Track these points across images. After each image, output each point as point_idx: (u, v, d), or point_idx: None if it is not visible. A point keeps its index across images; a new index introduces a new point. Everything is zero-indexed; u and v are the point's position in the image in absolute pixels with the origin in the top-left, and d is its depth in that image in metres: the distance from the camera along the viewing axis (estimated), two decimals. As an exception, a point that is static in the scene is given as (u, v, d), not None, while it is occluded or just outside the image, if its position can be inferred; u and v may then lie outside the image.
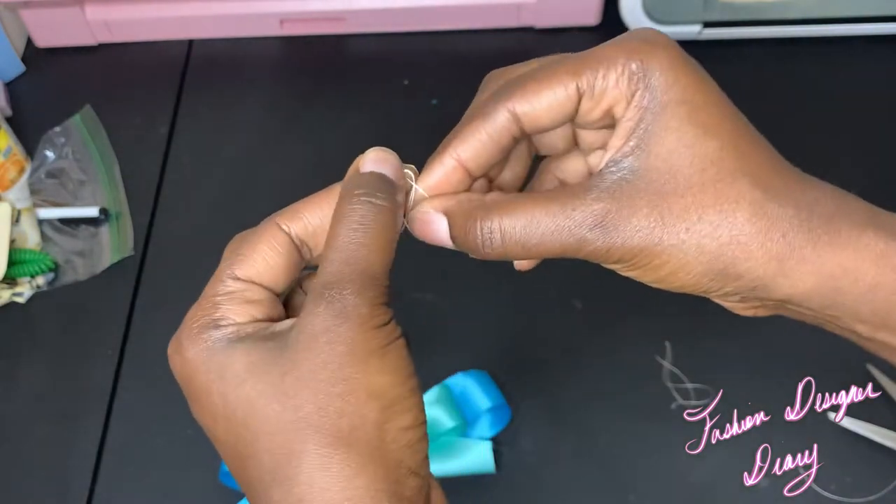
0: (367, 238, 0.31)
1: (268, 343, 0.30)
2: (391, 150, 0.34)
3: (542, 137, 0.36)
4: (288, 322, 0.32)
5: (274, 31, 0.81)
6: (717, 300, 0.34)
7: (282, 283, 0.33)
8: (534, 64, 0.34)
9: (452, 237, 0.33)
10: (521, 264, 0.38)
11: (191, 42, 0.81)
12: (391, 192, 0.33)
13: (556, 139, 0.36)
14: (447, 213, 0.33)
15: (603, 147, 0.33)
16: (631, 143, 0.31)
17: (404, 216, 0.34)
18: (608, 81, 0.31)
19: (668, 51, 0.31)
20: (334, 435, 0.29)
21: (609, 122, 0.33)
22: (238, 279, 0.32)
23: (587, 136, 0.35)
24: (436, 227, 0.33)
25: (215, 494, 0.58)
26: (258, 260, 0.33)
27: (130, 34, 0.81)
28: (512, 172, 0.37)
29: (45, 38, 0.81)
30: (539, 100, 0.32)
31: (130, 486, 0.60)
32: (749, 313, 0.34)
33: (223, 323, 0.31)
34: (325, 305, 0.30)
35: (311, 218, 0.33)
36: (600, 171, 0.32)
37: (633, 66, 0.31)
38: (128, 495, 0.59)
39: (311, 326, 0.30)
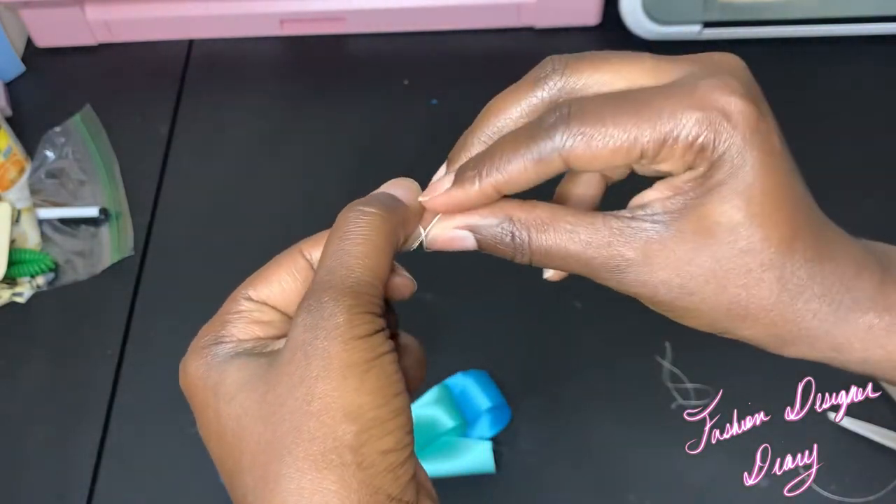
0: (351, 245, 0.30)
1: (260, 359, 0.30)
2: (411, 180, 0.34)
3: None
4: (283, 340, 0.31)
5: (274, 31, 0.81)
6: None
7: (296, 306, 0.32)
8: (609, 60, 0.31)
9: (482, 249, 0.32)
10: (549, 274, 0.37)
11: (191, 42, 0.81)
12: (386, 203, 0.32)
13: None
14: (474, 230, 0.32)
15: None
16: (679, 206, 0.30)
17: (424, 235, 0.33)
18: (673, 152, 0.29)
19: (746, 121, 0.29)
20: (309, 458, 0.27)
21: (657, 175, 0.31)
22: (250, 300, 0.32)
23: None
24: (462, 241, 0.33)
25: (215, 494, 0.58)
26: (274, 282, 0.33)
27: (130, 34, 0.81)
28: (582, 190, 0.34)
29: (45, 38, 0.81)
30: (597, 161, 0.29)
31: (130, 486, 0.60)
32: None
33: (226, 339, 0.32)
34: (303, 316, 0.29)
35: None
36: (642, 206, 0.30)
37: (702, 140, 0.28)
38: (128, 495, 0.59)
39: (291, 340, 0.29)
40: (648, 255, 0.30)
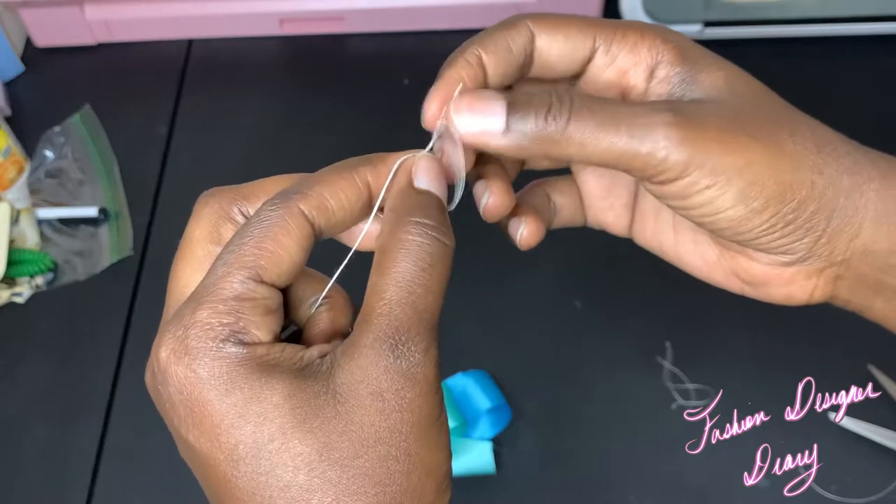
0: (435, 283, 0.27)
1: (310, 384, 0.26)
2: (437, 158, 0.31)
3: None
4: (314, 352, 0.27)
5: (274, 30, 0.81)
6: (782, 262, 0.32)
7: (291, 281, 0.29)
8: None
9: (512, 119, 0.29)
10: (526, 236, 0.34)
11: (190, 42, 0.81)
12: (450, 227, 0.29)
13: None
14: (507, 95, 0.30)
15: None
16: (678, 87, 0.31)
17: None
18: (625, 44, 0.31)
19: (688, 38, 0.32)
20: None
21: (615, 94, 0.32)
22: (262, 282, 0.27)
23: None
24: (489, 106, 0.29)
25: (215, 494, 0.58)
26: (284, 259, 0.28)
27: (130, 34, 0.81)
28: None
29: (45, 38, 0.81)
30: (558, 33, 0.31)
31: (130, 486, 0.60)
32: (804, 293, 0.33)
33: (247, 339, 0.27)
34: (394, 360, 0.26)
35: (335, 208, 0.29)
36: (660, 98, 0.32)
37: (652, 35, 0.31)
38: (128, 495, 0.59)
39: (375, 382, 0.26)
40: (695, 104, 0.30)
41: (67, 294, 0.68)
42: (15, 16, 0.80)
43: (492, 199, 0.32)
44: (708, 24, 0.75)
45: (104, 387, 0.63)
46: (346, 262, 0.30)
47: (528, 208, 0.35)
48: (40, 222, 0.71)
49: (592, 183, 0.37)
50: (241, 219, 0.30)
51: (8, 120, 0.76)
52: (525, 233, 0.34)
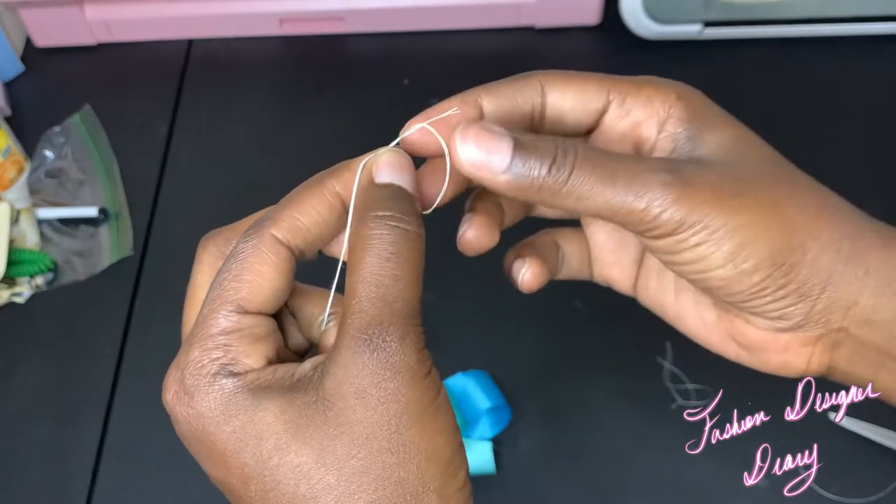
0: (402, 270, 0.28)
1: (300, 397, 0.27)
2: (403, 152, 0.31)
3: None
4: (307, 366, 0.28)
5: (274, 30, 0.81)
6: (775, 328, 0.32)
7: (280, 305, 0.30)
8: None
9: (516, 160, 0.29)
10: (527, 280, 0.35)
11: (190, 42, 0.81)
12: (417, 212, 0.29)
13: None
14: (513, 136, 0.29)
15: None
16: (683, 145, 0.31)
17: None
18: (639, 98, 0.31)
19: (695, 90, 0.32)
20: (398, 499, 0.26)
21: (628, 148, 0.33)
22: (246, 312, 0.28)
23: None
24: (497, 142, 0.29)
25: (215, 495, 0.58)
26: (264, 287, 0.29)
27: (130, 34, 0.81)
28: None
29: (45, 38, 0.81)
30: (571, 88, 0.32)
31: (130, 486, 0.60)
32: (801, 362, 0.32)
33: (237, 370, 0.28)
34: (370, 354, 0.26)
35: (308, 225, 0.30)
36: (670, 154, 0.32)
37: (667, 89, 0.32)
38: (128, 495, 0.59)
39: (356, 380, 0.26)
40: (694, 165, 0.31)
41: (67, 294, 0.68)
42: (15, 16, 0.80)
43: (470, 232, 0.33)
44: (708, 24, 0.75)
45: (104, 387, 0.63)
46: (337, 274, 0.31)
47: (533, 252, 0.36)
48: (40, 222, 0.71)
49: (602, 236, 0.38)
50: None
51: (8, 120, 0.76)
52: (528, 276, 0.35)
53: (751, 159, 0.31)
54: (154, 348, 0.65)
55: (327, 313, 0.31)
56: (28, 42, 0.82)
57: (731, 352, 0.35)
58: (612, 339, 0.63)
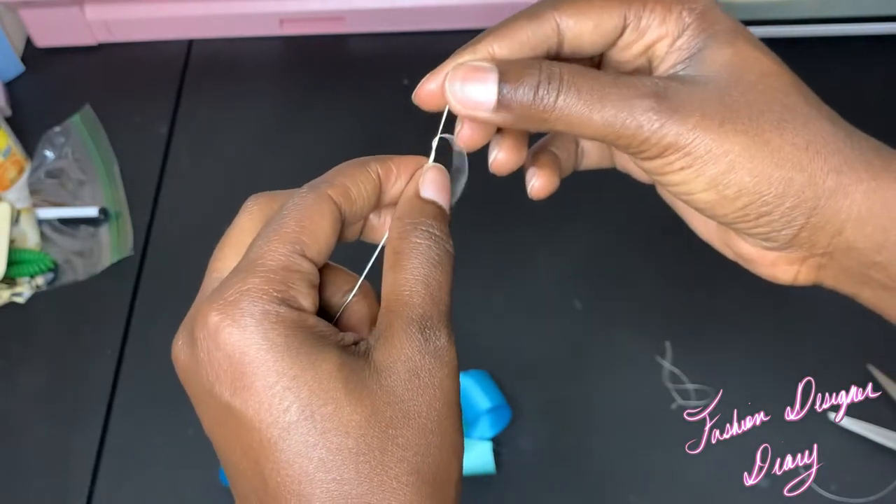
0: (445, 280, 0.30)
1: (355, 360, 0.28)
2: (444, 170, 0.33)
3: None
4: (350, 336, 0.29)
5: (274, 30, 0.81)
6: (759, 247, 0.33)
7: (324, 262, 0.31)
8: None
9: (501, 90, 0.30)
10: (537, 188, 0.36)
11: (191, 42, 0.81)
12: (451, 237, 0.31)
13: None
14: (498, 66, 0.30)
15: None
16: (686, 61, 0.32)
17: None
18: (654, 18, 0.32)
19: (713, 4, 0.32)
20: (430, 483, 0.28)
21: (644, 64, 0.33)
22: (306, 258, 0.29)
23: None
24: (483, 77, 0.30)
25: (215, 494, 0.58)
26: (322, 239, 0.30)
27: (130, 34, 0.81)
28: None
29: (45, 38, 0.81)
30: (586, 18, 0.32)
31: (130, 486, 0.60)
32: (789, 273, 0.33)
33: (297, 305, 0.28)
34: (424, 343, 0.28)
35: (356, 196, 0.31)
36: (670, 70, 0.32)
37: (680, 8, 0.32)
38: (128, 495, 0.59)
39: (410, 361, 0.28)
40: (686, 84, 0.31)
41: (67, 294, 0.68)
42: (15, 16, 0.80)
43: (501, 154, 0.34)
44: (708, 24, 0.75)
45: (104, 387, 0.63)
46: (374, 257, 0.33)
47: (544, 160, 0.36)
48: (40, 222, 0.71)
49: None
50: None
51: (8, 120, 0.76)
52: (536, 184, 0.36)
53: (746, 80, 0.31)
54: (154, 348, 0.65)
55: (356, 289, 0.32)
56: (28, 42, 0.82)
57: (730, 255, 0.36)
58: (612, 339, 0.63)
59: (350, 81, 0.79)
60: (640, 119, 0.30)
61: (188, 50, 0.81)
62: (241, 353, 0.27)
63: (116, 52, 0.81)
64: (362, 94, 0.77)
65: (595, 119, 0.30)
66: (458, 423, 0.29)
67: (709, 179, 0.30)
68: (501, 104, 0.30)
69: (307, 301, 0.29)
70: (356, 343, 0.29)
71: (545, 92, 0.30)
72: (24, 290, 0.68)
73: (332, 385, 0.27)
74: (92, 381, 0.64)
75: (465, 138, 0.33)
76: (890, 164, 0.31)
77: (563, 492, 0.58)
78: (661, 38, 0.32)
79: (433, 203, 0.32)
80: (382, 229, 0.34)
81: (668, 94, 0.30)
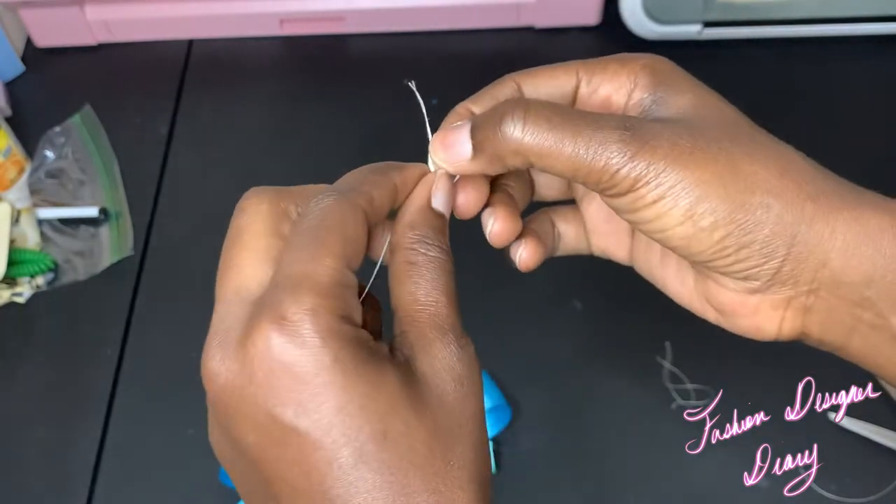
0: (455, 291, 0.31)
1: (410, 375, 0.28)
2: (452, 181, 0.33)
3: (539, 175, 0.37)
4: (384, 348, 0.29)
5: (274, 31, 0.81)
6: (742, 289, 0.32)
7: None
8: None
9: (474, 135, 0.31)
10: (524, 258, 0.36)
11: (191, 42, 0.81)
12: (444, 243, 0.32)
13: (551, 180, 0.37)
14: (472, 118, 0.33)
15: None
16: (648, 109, 0.32)
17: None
18: (606, 73, 0.33)
19: (665, 59, 0.33)
20: (484, 485, 0.29)
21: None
22: (351, 270, 0.29)
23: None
24: (458, 131, 0.32)
25: (215, 494, 0.58)
26: (361, 249, 0.29)
27: (130, 34, 0.81)
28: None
29: (45, 38, 0.81)
30: (540, 77, 0.34)
31: (130, 486, 0.60)
32: (772, 326, 0.32)
33: (354, 322, 0.28)
34: (459, 350, 0.29)
35: (378, 205, 0.31)
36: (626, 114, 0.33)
37: (633, 63, 0.33)
38: (128, 495, 0.59)
39: (453, 370, 0.29)
40: (654, 124, 0.31)
41: (67, 294, 0.68)
42: (15, 16, 0.80)
43: (497, 224, 0.34)
44: (707, 24, 0.75)
45: (104, 387, 0.63)
46: (377, 266, 0.32)
47: (529, 232, 0.37)
48: (41, 222, 0.71)
49: (593, 208, 0.38)
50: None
51: (8, 120, 0.76)
52: (524, 255, 0.36)
53: (712, 119, 0.31)
54: (154, 348, 0.65)
55: (362, 298, 0.32)
56: (28, 42, 0.82)
57: (711, 315, 0.35)
58: (612, 339, 0.63)
59: (350, 81, 0.79)
60: (611, 150, 0.29)
61: (188, 50, 0.81)
62: (312, 373, 0.26)
63: (116, 52, 0.81)
64: (362, 94, 0.77)
65: (565, 151, 0.30)
66: (483, 425, 0.30)
67: (683, 211, 0.29)
68: (476, 148, 0.31)
69: (360, 316, 0.28)
70: (391, 350, 0.29)
71: (512, 125, 0.30)
72: (24, 290, 0.68)
73: (400, 403, 0.27)
74: (92, 381, 0.64)
75: (460, 207, 0.34)
76: (863, 196, 0.30)
77: (563, 492, 0.58)
78: (616, 91, 0.33)
79: (441, 216, 0.32)
80: (378, 238, 0.33)
81: (637, 127, 0.30)
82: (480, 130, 0.31)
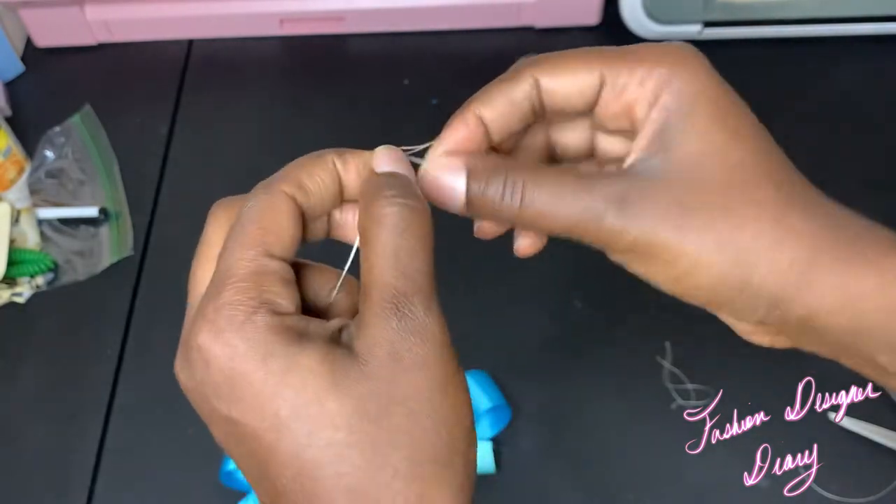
0: (417, 245, 0.29)
1: (337, 350, 0.28)
2: (394, 147, 0.33)
3: (560, 135, 0.36)
4: (335, 323, 0.29)
5: (274, 30, 0.81)
6: (732, 321, 0.33)
7: (294, 255, 0.31)
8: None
9: (470, 191, 0.32)
10: (523, 247, 0.36)
11: (191, 42, 0.81)
12: (420, 195, 0.31)
13: (573, 138, 0.36)
14: (468, 166, 0.32)
15: (618, 158, 0.33)
16: (656, 144, 0.31)
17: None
18: (633, 78, 0.31)
19: (697, 60, 0.32)
20: (431, 463, 0.28)
21: (626, 125, 0.33)
22: (274, 257, 0.29)
23: (604, 143, 0.35)
24: (452, 179, 0.32)
25: (215, 494, 0.58)
26: (285, 235, 0.30)
27: (130, 34, 0.81)
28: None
29: (45, 38, 0.81)
30: (563, 75, 0.32)
31: (130, 486, 0.60)
32: (766, 341, 0.33)
33: (276, 309, 0.28)
34: (398, 321, 0.28)
35: (312, 188, 0.31)
36: (625, 168, 0.32)
37: (662, 70, 0.31)
38: (128, 495, 0.59)
39: (388, 344, 0.28)
40: (647, 188, 0.31)
41: (67, 294, 0.68)
42: (15, 16, 0.80)
43: (524, 240, 0.35)
44: (707, 24, 0.75)
45: (104, 387, 0.63)
46: (353, 251, 0.32)
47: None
48: (40, 222, 0.71)
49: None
50: None
51: (8, 120, 0.76)
52: (523, 243, 0.36)
53: (712, 177, 0.31)
54: (154, 348, 0.65)
55: (339, 285, 0.32)
56: (28, 42, 0.82)
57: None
58: (612, 339, 0.63)
59: (350, 81, 0.79)
60: (603, 222, 0.30)
61: (188, 50, 0.81)
62: (230, 367, 0.27)
63: (116, 52, 0.81)
64: (363, 94, 0.77)
65: (560, 220, 0.31)
66: (455, 396, 0.28)
67: (671, 279, 0.31)
68: (470, 203, 0.32)
69: (285, 300, 0.29)
70: (341, 330, 0.29)
71: (509, 195, 0.31)
72: (24, 290, 0.68)
73: (315, 382, 0.27)
74: (92, 382, 0.64)
75: (486, 234, 0.35)
76: (854, 247, 0.30)
77: (562, 491, 0.58)
78: (638, 101, 0.32)
79: (388, 172, 0.32)
80: (352, 226, 0.33)
81: (629, 198, 0.30)
82: (475, 188, 0.31)
